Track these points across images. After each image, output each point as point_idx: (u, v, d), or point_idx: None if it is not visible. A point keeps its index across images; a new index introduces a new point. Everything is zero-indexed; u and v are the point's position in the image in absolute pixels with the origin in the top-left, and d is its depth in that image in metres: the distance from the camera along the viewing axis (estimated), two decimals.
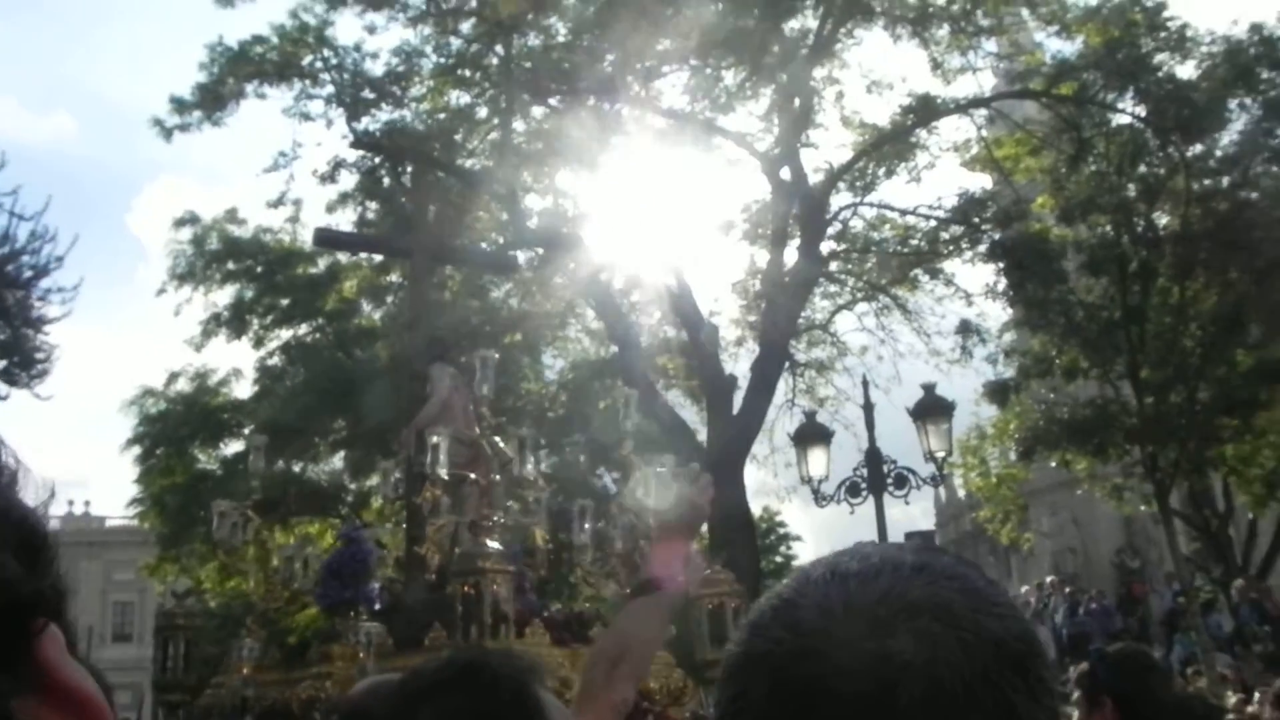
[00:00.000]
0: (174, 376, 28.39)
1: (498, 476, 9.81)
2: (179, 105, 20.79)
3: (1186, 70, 19.83)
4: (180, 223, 26.56)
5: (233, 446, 27.93)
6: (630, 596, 2.57)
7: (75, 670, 0.78)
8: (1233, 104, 19.07)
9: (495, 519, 9.09)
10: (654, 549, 2.57)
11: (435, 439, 9.17)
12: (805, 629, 0.85)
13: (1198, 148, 19.51)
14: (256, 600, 10.07)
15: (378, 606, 9.27)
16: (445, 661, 1.73)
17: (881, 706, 0.79)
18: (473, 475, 9.59)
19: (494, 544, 8.45)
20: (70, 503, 61.63)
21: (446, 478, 9.19)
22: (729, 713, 0.87)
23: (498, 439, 10.21)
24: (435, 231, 14.88)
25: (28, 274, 17.34)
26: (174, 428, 27.71)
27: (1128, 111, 20.11)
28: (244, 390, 28.59)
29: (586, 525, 9.99)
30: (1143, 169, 19.87)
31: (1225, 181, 19.77)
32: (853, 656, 0.81)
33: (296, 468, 27.32)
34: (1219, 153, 19.85)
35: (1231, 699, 13.38)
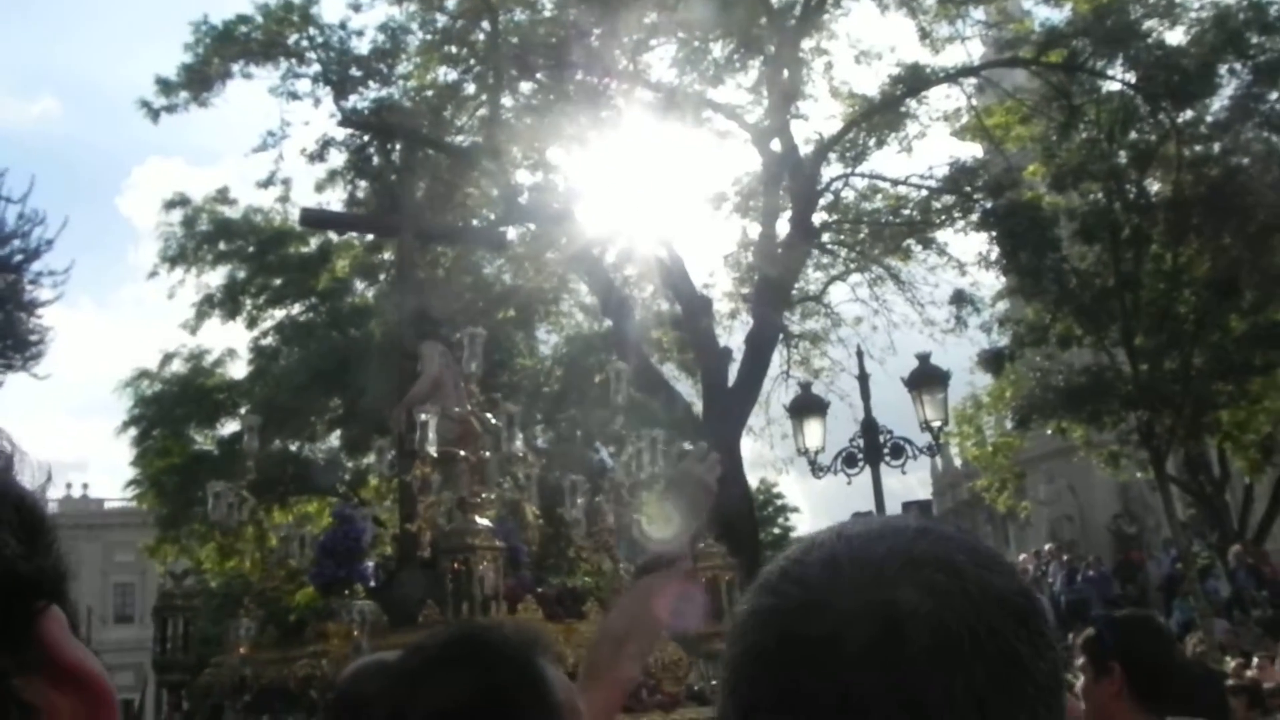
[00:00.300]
0: (169, 358, 28.42)
1: (488, 453, 9.81)
2: (165, 87, 20.70)
3: (1176, 36, 19.80)
4: (171, 204, 26.51)
5: (229, 427, 27.98)
6: (636, 575, 2.57)
7: (78, 649, 0.77)
8: (1223, 69, 18.99)
9: (483, 496, 9.11)
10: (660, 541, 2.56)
11: (424, 417, 9.13)
12: (812, 584, 0.86)
13: (1188, 113, 19.45)
14: (253, 580, 10.10)
15: (373, 584, 9.31)
16: (447, 636, 1.73)
17: (889, 654, 0.80)
18: (462, 452, 9.59)
19: (483, 521, 8.46)
20: (69, 485, 61.75)
21: (436, 455, 9.16)
22: (739, 667, 0.88)
23: (489, 415, 10.19)
24: (425, 209, 14.88)
25: (18, 257, 17.33)
26: (170, 409, 27.74)
27: (1118, 78, 20.05)
28: (239, 370, 28.63)
29: (579, 500, 10.03)
30: (1134, 135, 19.80)
31: (1216, 147, 19.71)
32: (859, 606, 0.82)
33: (294, 447, 27.38)
34: (1210, 118, 19.79)
35: (1230, 663, 13.46)
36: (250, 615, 9.57)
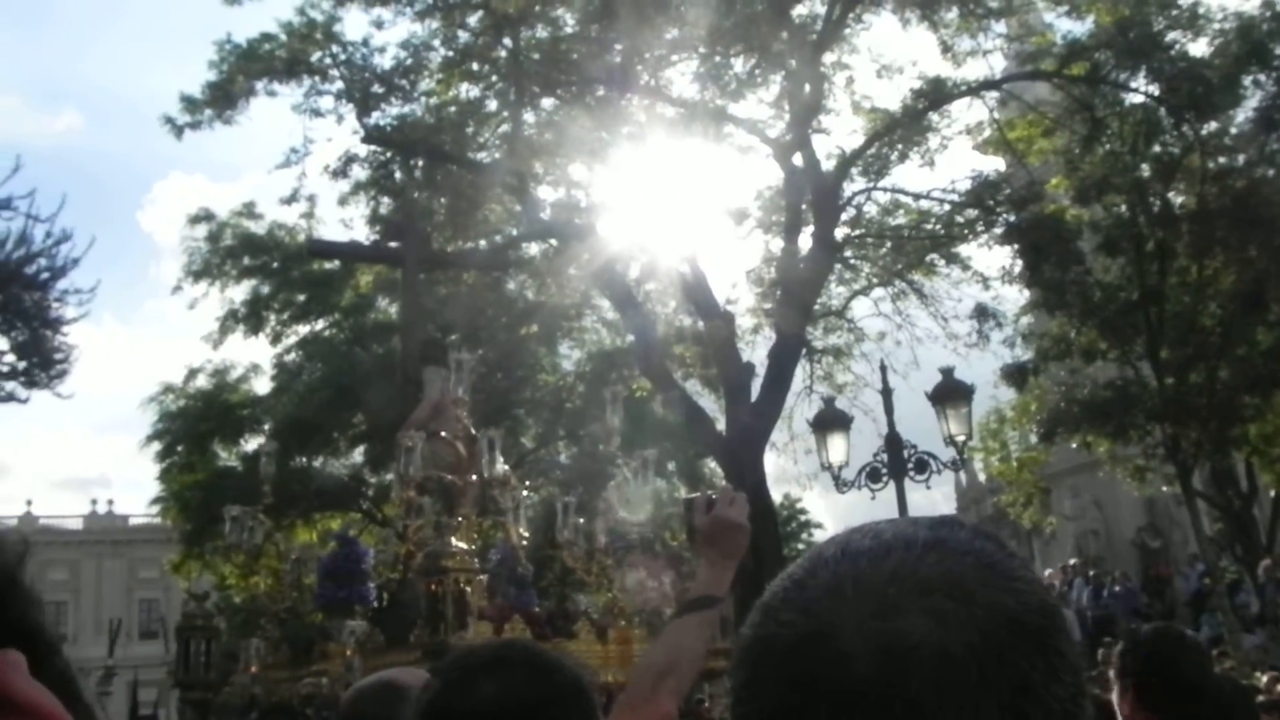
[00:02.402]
0: (193, 373, 28.63)
1: (474, 477, 9.94)
2: (190, 104, 20.86)
3: (1199, 48, 19.69)
4: (196, 219, 26.72)
5: (253, 443, 28.11)
6: (677, 612, 2.57)
7: (34, 689, 0.79)
8: (1247, 80, 18.91)
9: (459, 520, 9.29)
10: (701, 565, 2.56)
11: (409, 442, 9.37)
12: (814, 610, 0.83)
13: (1212, 125, 19.35)
14: (265, 601, 10.30)
15: (375, 605, 9.45)
16: (503, 644, 1.76)
17: (893, 690, 0.77)
18: (449, 476, 9.70)
19: (460, 543, 8.60)
20: (94, 502, 62.24)
21: (423, 479, 9.34)
22: (741, 699, 0.86)
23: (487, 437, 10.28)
24: (428, 236, 15.01)
25: (45, 275, 17.48)
26: (194, 424, 27.90)
27: (1141, 90, 19.96)
28: (263, 386, 28.77)
29: (570, 519, 10.14)
30: (1157, 148, 19.72)
31: (1241, 159, 19.60)
32: (862, 638, 0.79)
33: (317, 463, 27.49)
34: (1234, 130, 19.69)
35: (1262, 679, 13.30)
36: (266, 635, 9.71)
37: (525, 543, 10.21)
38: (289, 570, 10.41)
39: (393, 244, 13.90)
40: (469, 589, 8.39)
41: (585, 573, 9.93)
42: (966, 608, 0.80)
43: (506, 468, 10.25)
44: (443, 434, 9.93)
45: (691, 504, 2.61)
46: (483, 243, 23.51)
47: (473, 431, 10.17)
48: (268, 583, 10.43)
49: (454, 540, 8.72)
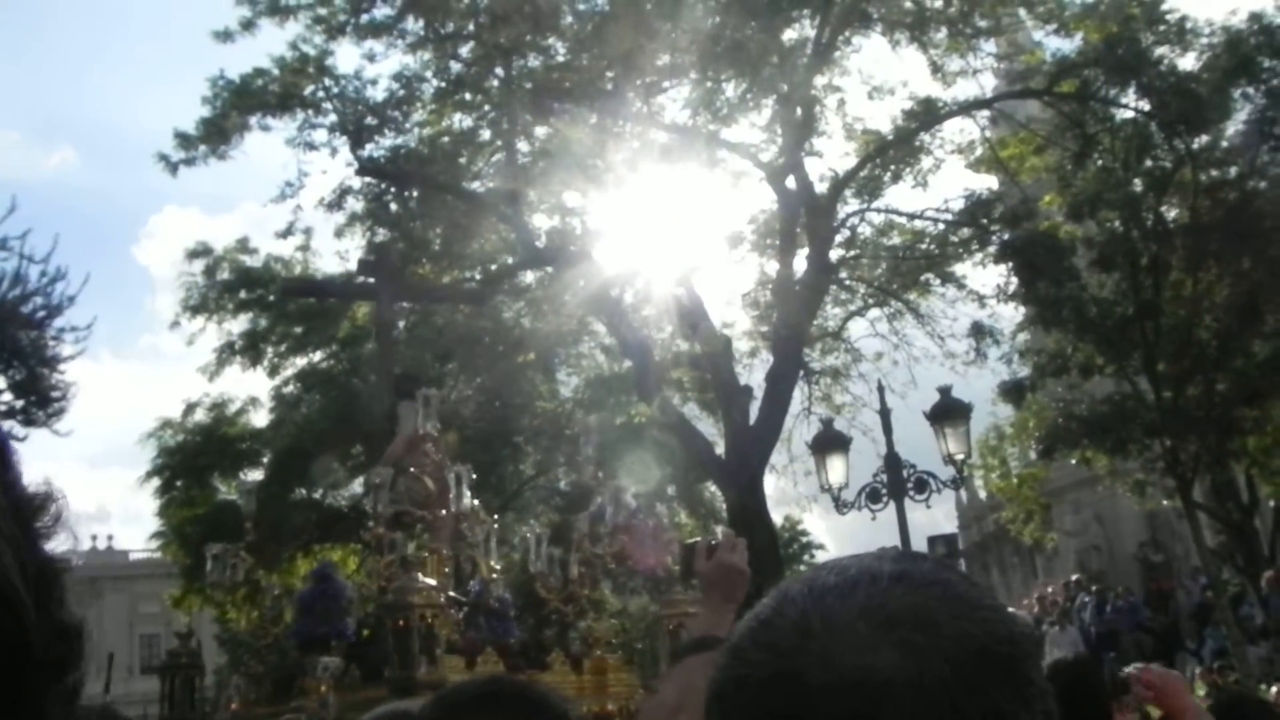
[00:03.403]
0: (191, 407, 28.54)
1: (444, 512, 10.01)
2: (184, 140, 20.90)
3: (1188, 62, 19.80)
4: (193, 254, 26.70)
5: (252, 475, 28.02)
6: (681, 654, 2.59)
7: None
8: (1236, 94, 19.01)
9: (425, 554, 9.44)
10: (702, 609, 2.58)
11: (377, 479, 9.51)
12: (784, 649, 0.82)
13: (1203, 139, 19.44)
14: (247, 637, 10.38)
15: (353, 641, 9.50)
16: (489, 680, 1.75)
17: None
18: (419, 511, 9.75)
19: (427, 579, 8.75)
20: (94, 537, 62.03)
21: (394, 514, 9.48)
22: None
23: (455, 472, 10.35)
24: (402, 271, 15.12)
25: (41, 314, 17.50)
26: (192, 458, 27.83)
27: (1131, 106, 20.07)
28: (261, 419, 28.71)
29: (543, 550, 10.25)
30: (1149, 163, 19.79)
31: (1233, 172, 19.68)
32: (834, 676, 0.78)
33: (316, 495, 27.42)
34: (1225, 143, 19.77)
35: (1271, 691, 13.25)
36: (249, 670, 9.84)
37: (496, 575, 10.22)
38: (270, 606, 10.46)
39: (364, 279, 14.01)
40: (435, 624, 8.43)
41: (562, 603, 9.98)
42: (935, 640, 0.79)
43: (476, 502, 10.26)
44: (411, 469, 9.98)
45: (693, 549, 2.63)
46: (478, 272, 23.55)
47: (449, 465, 10.23)
48: (250, 618, 10.46)
49: (421, 576, 8.76)
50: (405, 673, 8.18)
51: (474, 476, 10.28)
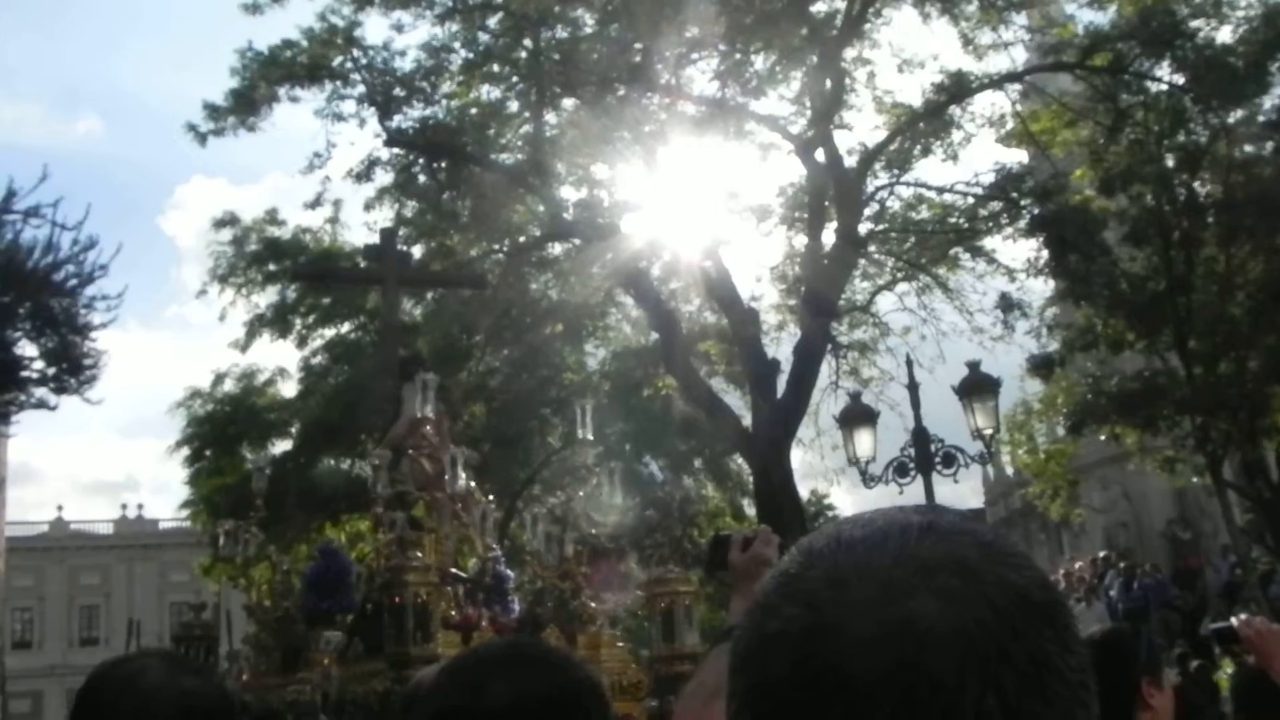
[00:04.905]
0: (220, 377, 28.72)
1: (440, 494, 10.19)
2: (213, 111, 20.97)
3: (1224, 35, 19.57)
4: (220, 224, 26.78)
5: (281, 446, 28.24)
6: (721, 639, 2.60)
7: None
8: (1273, 67, 18.74)
9: (421, 533, 9.64)
10: (735, 597, 2.60)
11: (376, 460, 9.78)
12: (818, 602, 0.79)
13: (1239, 113, 19.21)
14: (258, 611, 10.62)
15: (356, 615, 9.79)
16: (513, 642, 1.74)
17: (913, 674, 0.74)
18: (416, 491, 10.00)
19: (422, 556, 9.07)
20: (124, 506, 62.63)
21: (393, 494, 9.75)
22: (747, 704, 0.82)
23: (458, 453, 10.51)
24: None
25: (73, 282, 17.61)
26: (221, 428, 28.02)
27: (1165, 79, 19.84)
28: (290, 389, 28.87)
29: (539, 529, 10.57)
30: (1182, 137, 19.57)
31: (1269, 147, 19.45)
32: (874, 625, 0.76)
33: (345, 464, 27.57)
34: (1261, 118, 19.53)
35: None
36: (260, 643, 10.24)
37: (492, 554, 10.48)
38: (279, 581, 10.71)
39: (370, 265, 14.25)
40: (429, 600, 8.66)
41: (558, 580, 10.18)
42: (975, 586, 0.78)
43: (472, 484, 10.47)
44: (410, 451, 10.16)
45: (727, 540, 2.63)
46: (505, 243, 23.55)
47: (448, 447, 10.39)
48: (259, 592, 10.72)
49: (416, 554, 9.02)
50: (400, 647, 8.43)
51: (477, 455, 10.57)
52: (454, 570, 9.98)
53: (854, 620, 0.77)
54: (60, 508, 61.63)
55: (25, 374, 17.70)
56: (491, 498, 11.72)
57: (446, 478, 10.08)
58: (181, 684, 1.78)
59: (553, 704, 1.58)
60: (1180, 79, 19.39)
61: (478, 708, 1.57)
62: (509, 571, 10.77)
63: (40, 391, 17.80)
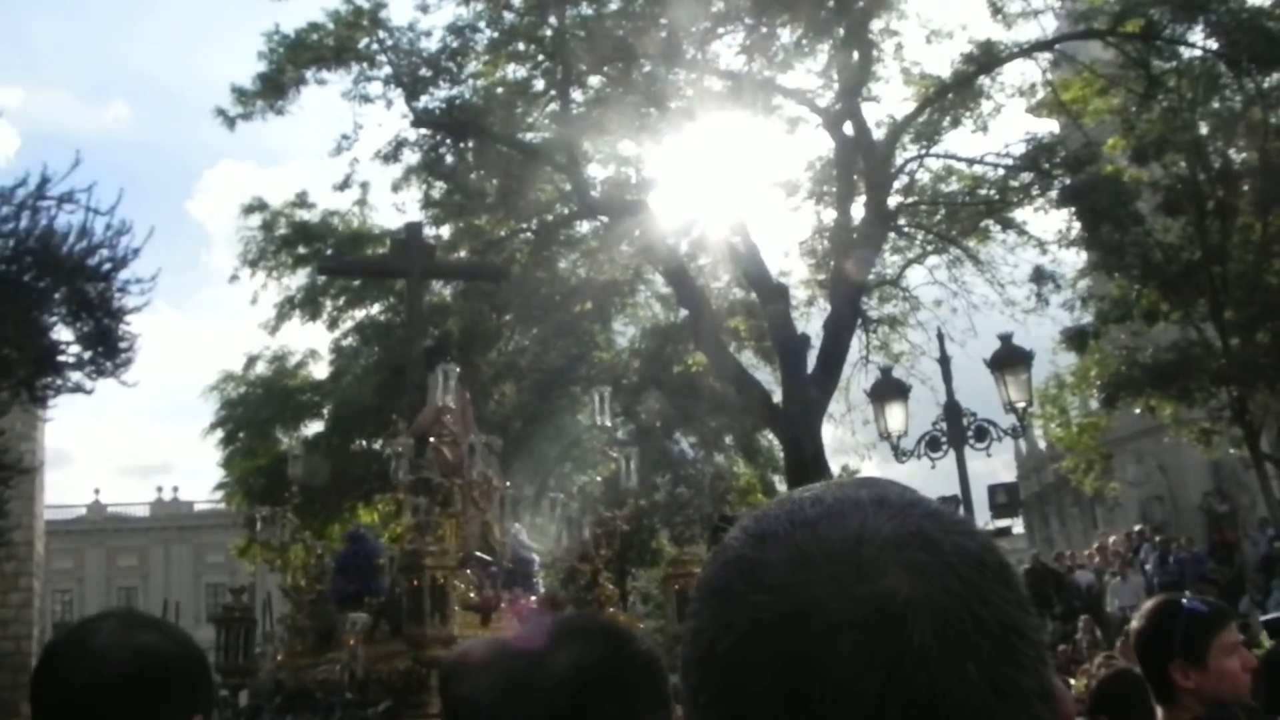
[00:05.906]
0: (252, 360, 28.97)
1: (460, 480, 10.35)
2: (241, 95, 21.05)
3: None
4: (249, 209, 26.94)
5: (313, 427, 28.46)
6: None
7: None
8: None
9: (439, 518, 9.80)
10: None
11: (399, 448, 10.01)
12: (788, 586, 0.76)
13: (1274, 78, 18.93)
14: (292, 593, 10.94)
15: (385, 598, 10.04)
16: (575, 616, 1.77)
17: (893, 654, 0.73)
18: (436, 479, 10.11)
19: (440, 541, 9.34)
20: (159, 489, 63.35)
21: (414, 480, 9.94)
22: (721, 699, 0.78)
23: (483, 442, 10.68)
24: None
25: (107, 267, 17.79)
26: (254, 411, 28.29)
27: (1198, 45, 19.58)
28: (321, 371, 29.08)
29: (558, 513, 11.08)
30: (1216, 104, 19.33)
31: None
32: (850, 605, 0.74)
33: (376, 445, 27.75)
34: None
35: None
36: (295, 624, 10.65)
37: (512, 537, 10.76)
38: (313, 565, 11.05)
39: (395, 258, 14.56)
40: (446, 583, 8.92)
41: (578, 562, 10.46)
42: (939, 556, 0.77)
43: (489, 471, 10.58)
44: (431, 440, 10.34)
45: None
46: (534, 222, 23.58)
47: (468, 435, 10.59)
48: (295, 573, 11.02)
49: (435, 538, 9.27)
50: (419, 629, 8.72)
51: (500, 441, 10.91)
52: (478, 554, 10.22)
53: (828, 602, 0.75)
54: (97, 490, 62.40)
55: (62, 359, 17.93)
56: (509, 483, 11.87)
57: (465, 464, 10.27)
58: (136, 640, 1.72)
59: (612, 675, 1.60)
60: (1214, 44, 19.13)
61: (539, 677, 1.59)
62: (533, 555, 11.04)
63: (76, 375, 18.04)
